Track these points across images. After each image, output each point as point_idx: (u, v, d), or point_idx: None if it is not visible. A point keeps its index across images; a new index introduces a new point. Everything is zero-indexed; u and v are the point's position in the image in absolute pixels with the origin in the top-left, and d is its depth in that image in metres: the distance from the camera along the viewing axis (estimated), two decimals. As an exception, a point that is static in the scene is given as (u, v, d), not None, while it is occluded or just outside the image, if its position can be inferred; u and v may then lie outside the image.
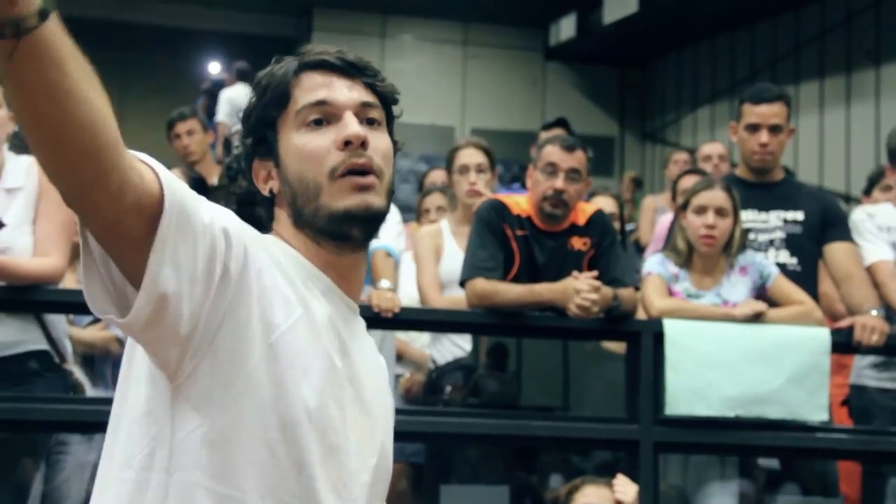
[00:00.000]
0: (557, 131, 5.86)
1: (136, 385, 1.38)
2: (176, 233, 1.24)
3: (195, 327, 1.29)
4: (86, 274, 1.29)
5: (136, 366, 1.39)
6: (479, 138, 4.90)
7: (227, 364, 1.33)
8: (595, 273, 3.72)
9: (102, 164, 1.19)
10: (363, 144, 1.46)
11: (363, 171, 1.46)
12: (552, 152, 3.87)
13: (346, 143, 1.45)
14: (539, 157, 3.91)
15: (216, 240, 1.29)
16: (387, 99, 1.55)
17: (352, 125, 1.47)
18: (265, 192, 1.53)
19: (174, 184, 1.26)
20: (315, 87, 1.49)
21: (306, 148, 1.47)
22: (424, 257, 4.34)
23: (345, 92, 1.49)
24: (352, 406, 1.45)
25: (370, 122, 1.50)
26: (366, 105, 1.51)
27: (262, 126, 1.51)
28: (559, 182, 3.83)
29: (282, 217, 1.52)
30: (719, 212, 3.85)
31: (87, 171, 1.18)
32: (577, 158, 3.87)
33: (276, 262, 1.40)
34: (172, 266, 1.25)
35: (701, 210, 3.86)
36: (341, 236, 1.47)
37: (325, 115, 1.48)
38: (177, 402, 1.33)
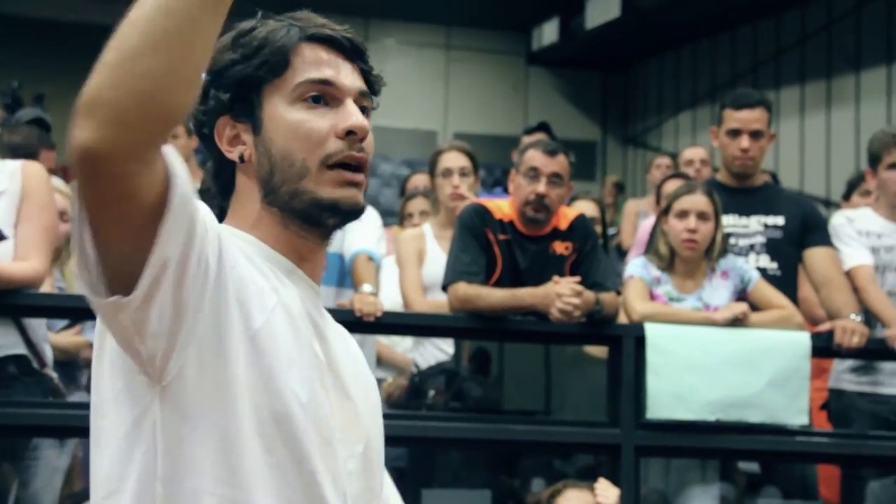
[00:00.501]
0: (540, 136, 5.87)
1: (113, 403, 1.29)
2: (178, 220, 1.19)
3: (177, 322, 1.22)
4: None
5: (105, 387, 1.30)
6: (462, 142, 4.91)
7: (213, 361, 1.26)
8: (577, 278, 3.73)
9: (175, 123, 1.16)
10: (363, 138, 1.39)
11: (358, 166, 1.39)
12: (534, 157, 3.88)
13: (349, 134, 1.38)
14: (521, 162, 3.91)
15: (206, 232, 1.24)
16: (374, 90, 1.48)
17: (357, 115, 1.39)
18: (232, 157, 1.41)
19: (182, 168, 1.20)
20: (319, 63, 1.40)
21: (303, 126, 1.37)
22: (407, 261, 4.34)
23: (349, 77, 1.42)
24: (334, 392, 1.39)
25: (362, 111, 1.43)
26: (363, 94, 1.43)
27: (246, 86, 1.40)
28: (541, 186, 3.84)
29: (245, 188, 1.42)
30: (701, 216, 3.86)
31: (167, 123, 1.13)
32: (559, 163, 3.88)
33: (243, 252, 1.34)
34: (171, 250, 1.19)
35: (682, 214, 3.88)
36: (316, 223, 1.39)
37: (324, 95, 1.40)
38: (165, 407, 1.25)
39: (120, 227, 1.15)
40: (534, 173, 3.85)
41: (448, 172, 4.53)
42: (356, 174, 1.38)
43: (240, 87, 1.40)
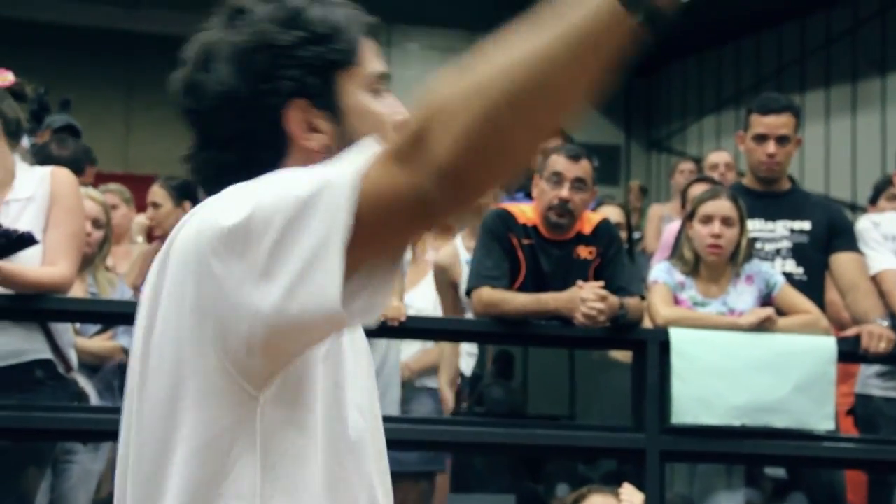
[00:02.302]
0: (556, 140, 5.88)
1: (193, 409, 1.20)
2: None
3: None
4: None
5: (189, 389, 1.21)
6: None
7: (300, 376, 1.24)
8: (601, 283, 3.72)
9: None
10: None
11: None
12: (557, 161, 3.87)
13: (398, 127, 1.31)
14: (544, 167, 3.91)
15: None
16: None
17: (404, 110, 1.35)
18: (310, 145, 1.32)
19: None
20: (378, 56, 1.37)
21: (382, 119, 1.33)
22: (442, 295, 4.38)
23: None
24: (367, 406, 1.37)
25: None
26: None
27: (323, 69, 1.32)
28: (565, 191, 3.83)
29: None
30: (725, 221, 3.85)
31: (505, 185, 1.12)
32: (583, 167, 3.88)
33: None
34: None
35: (707, 219, 3.87)
36: None
37: (380, 87, 1.37)
38: (263, 420, 1.21)
39: (378, 246, 1.13)
40: (557, 178, 3.85)
41: None
42: None
43: (315, 69, 1.32)
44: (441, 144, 1.04)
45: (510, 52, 1.05)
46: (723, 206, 3.86)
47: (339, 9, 1.37)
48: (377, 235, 1.10)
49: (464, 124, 1.03)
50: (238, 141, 1.33)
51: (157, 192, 4.90)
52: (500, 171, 1.07)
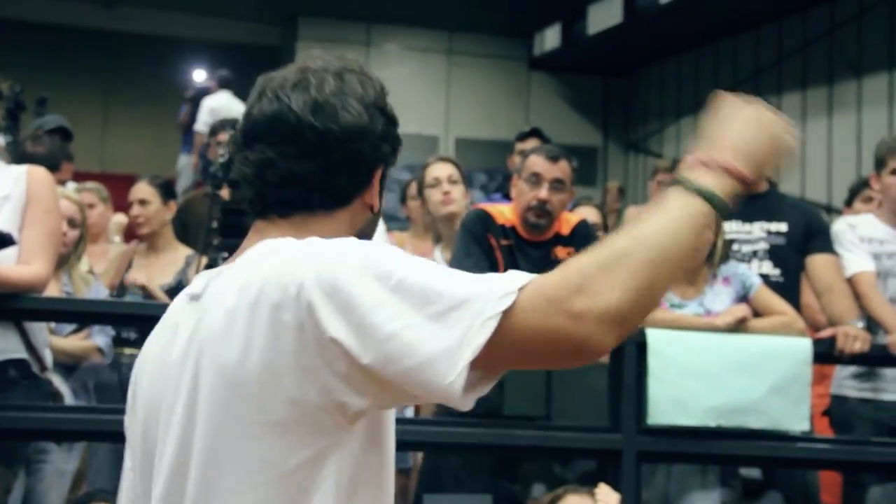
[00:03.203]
0: (533, 141, 5.89)
1: (271, 435, 1.33)
2: None
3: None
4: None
5: (272, 411, 1.33)
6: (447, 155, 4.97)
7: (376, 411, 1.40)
8: None
9: None
10: None
11: None
12: (536, 162, 3.88)
13: None
14: (523, 167, 3.91)
15: None
16: None
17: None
18: (373, 203, 1.55)
19: None
20: None
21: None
22: None
23: None
24: None
25: None
26: None
27: (392, 149, 1.56)
28: (543, 192, 3.84)
29: (345, 223, 1.52)
30: None
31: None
32: (562, 168, 3.88)
33: None
34: None
35: None
36: None
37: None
38: (346, 447, 1.35)
39: (509, 364, 1.32)
40: (535, 179, 3.85)
41: (436, 182, 4.55)
42: None
43: (393, 150, 1.56)
44: (606, 296, 1.25)
45: (644, 228, 1.33)
46: None
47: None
48: (511, 356, 1.29)
49: (624, 279, 1.27)
50: (335, 169, 1.49)
51: (145, 189, 4.81)
52: (648, 311, 1.31)
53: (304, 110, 1.48)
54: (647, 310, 1.29)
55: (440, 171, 4.58)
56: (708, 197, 1.36)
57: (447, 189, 4.52)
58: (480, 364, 1.26)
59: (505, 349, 1.26)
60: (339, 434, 1.34)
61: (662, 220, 1.33)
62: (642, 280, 1.27)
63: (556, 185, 3.86)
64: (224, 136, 5.90)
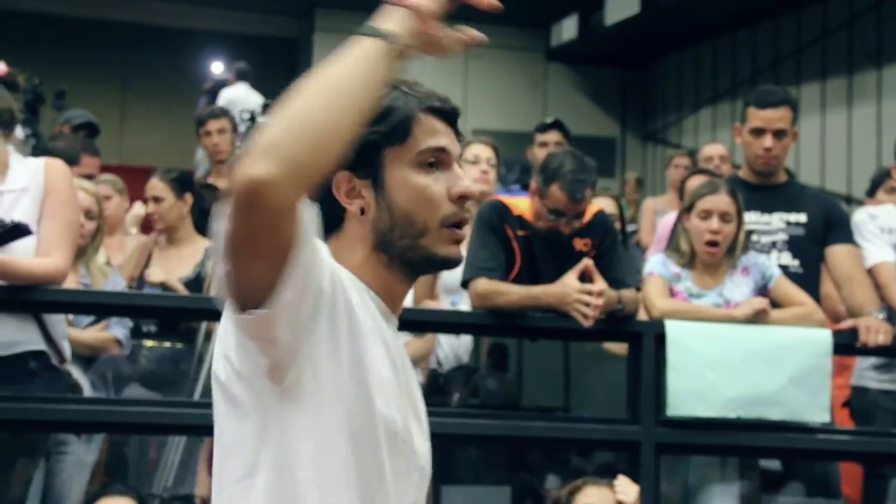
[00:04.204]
0: (553, 134, 5.87)
1: (236, 402, 1.47)
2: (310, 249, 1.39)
3: (298, 336, 1.41)
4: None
5: (231, 387, 1.47)
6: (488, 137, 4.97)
7: (325, 370, 1.44)
8: (600, 287, 3.62)
9: (328, 171, 1.36)
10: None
11: (463, 224, 1.59)
12: (559, 199, 3.74)
13: (461, 198, 1.57)
14: (546, 194, 3.79)
15: (321, 264, 1.43)
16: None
17: (466, 181, 1.59)
18: (351, 208, 1.57)
19: (309, 215, 1.39)
20: (436, 133, 1.58)
21: (426, 191, 1.55)
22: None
23: (454, 143, 1.60)
24: (411, 417, 1.57)
25: None
26: (459, 156, 1.64)
27: (370, 147, 1.55)
28: (564, 227, 3.80)
29: (356, 233, 1.57)
30: (723, 217, 3.83)
31: (325, 170, 1.34)
32: (586, 201, 3.80)
33: (354, 284, 1.52)
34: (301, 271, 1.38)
35: (706, 215, 3.85)
36: (420, 272, 1.61)
37: (438, 161, 1.57)
38: (285, 407, 1.44)
39: (259, 256, 1.33)
40: (555, 215, 3.77)
41: (476, 159, 4.55)
42: (462, 231, 1.59)
43: (363, 147, 1.53)
44: (263, 135, 1.29)
45: (314, 74, 1.36)
46: (721, 201, 3.84)
47: (398, 91, 1.60)
48: (248, 247, 1.33)
49: (280, 116, 1.31)
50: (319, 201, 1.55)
51: (158, 186, 4.82)
52: (314, 144, 1.30)
53: None
54: (310, 141, 1.30)
55: (482, 151, 4.59)
56: (373, 34, 1.40)
57: (486, 169, 4.52)
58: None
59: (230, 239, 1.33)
60: (273, 398, 1.44)
61: (331, 64, 1.37)
62: (296, 112, 1.30)
63: (578, 216, 3.79)
64: (215, 125, 5.89)
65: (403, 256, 1.56)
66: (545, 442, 3.90)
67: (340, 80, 1.35)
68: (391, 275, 1.57)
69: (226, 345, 1.47)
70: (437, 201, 1.55)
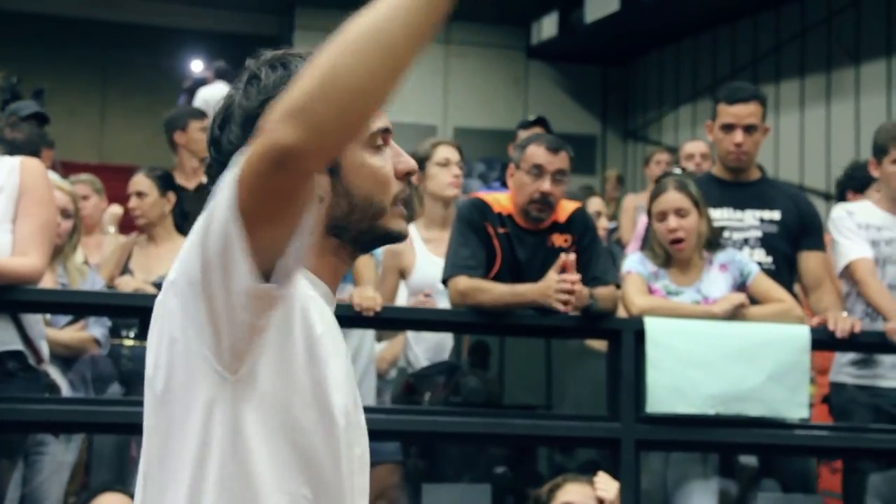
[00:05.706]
0: (536, 130, 5.87)
1: (183, 389, 1.40)
2: None
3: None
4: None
5: (177, 374, 1.41)
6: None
7: (280, 363, 1.40)
8: (578, 276, 3.66)
9: (356, 136, 1.30)
10: None
11: (406, 200, 1.58)
12: (537, 153, 3.85)
13: (406, 174, 1.56)
14: (522, 158, 3.88)
15: None
16: None
17: (408, 156, 1.58)
18: None
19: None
20: (380, 116, 1.54)
21: (381, 172, 1.53)
22: (384, 278, 4.38)
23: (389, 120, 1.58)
24: (355, 403, 1.54)
25: None
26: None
27: None
28: (546, 184, 3.82)
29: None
30: (678, 212, 3.86)
31: (353, 135, 1.26)
32: (563, 159, 3.86)
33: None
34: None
35: (661, 216, 3.88)
36: (370, 249, 1.61)
37: (384, 142, 1.55)
38: (235, 398, 1.38)
39: (275, 220, 1.28)
40: (538, 171, 3.83)
41: (447, 162, 4.54)
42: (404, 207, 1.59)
43: None
44: (288, 96, 1.22)
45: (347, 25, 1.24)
46: (671, 198, 3.87)
47: None
48: (264, 210, 1.27)
49: (306, 75, 1.22)
50: None
51: (142, 182, 4.78)
52: (344, 100, 1.21)
53: (208, 146, 1.59)
54: (344, 104, 1.21)
55: (451, 153, 4.58)
56: None
57: (457, 172, 4.53)
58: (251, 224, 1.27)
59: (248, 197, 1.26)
60: (221, 388, 1.38)
61: (373, 9, 1.24)
62: (332, 68, 1.20)
63: (559, 176, 3.85)
64: (198, 125, 5.77)
65: (359, 238, 1.54)
66: (527, 440, 3.91)
67: (383, 29, 1.22)
68: (338, 258, 1.55)
69: (172, 327, 1.40)
70: (388, 181, 1.54)
